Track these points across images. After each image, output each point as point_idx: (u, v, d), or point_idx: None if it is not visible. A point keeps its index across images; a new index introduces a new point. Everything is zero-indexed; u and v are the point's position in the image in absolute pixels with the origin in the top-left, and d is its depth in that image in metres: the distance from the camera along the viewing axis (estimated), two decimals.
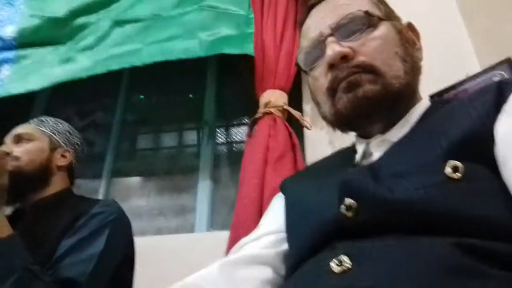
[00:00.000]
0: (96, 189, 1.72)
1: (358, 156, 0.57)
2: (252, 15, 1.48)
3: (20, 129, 1.01)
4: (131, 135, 1.90)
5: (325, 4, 0.61)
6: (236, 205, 1.18)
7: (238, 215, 1.15)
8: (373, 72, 0.52)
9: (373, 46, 0.54)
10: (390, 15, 0.60)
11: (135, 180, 1.78)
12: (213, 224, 1.52)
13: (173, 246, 1.35)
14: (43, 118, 1.08)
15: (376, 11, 0.58)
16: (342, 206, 0.44)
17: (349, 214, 0.44)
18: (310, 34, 0.60)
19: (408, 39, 0.58)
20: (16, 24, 1.78)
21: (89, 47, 1.63)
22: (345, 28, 0.56)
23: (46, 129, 1.03)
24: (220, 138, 1.76)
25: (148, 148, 1.88)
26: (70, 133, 1.09)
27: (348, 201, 0.44)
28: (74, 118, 2.00)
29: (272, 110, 1.32)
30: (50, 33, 1.74)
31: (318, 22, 0.59)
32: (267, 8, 1.50)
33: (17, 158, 0.94)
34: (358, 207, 0.43)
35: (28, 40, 1.75)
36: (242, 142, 1.71)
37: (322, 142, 1.32)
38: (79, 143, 1.11)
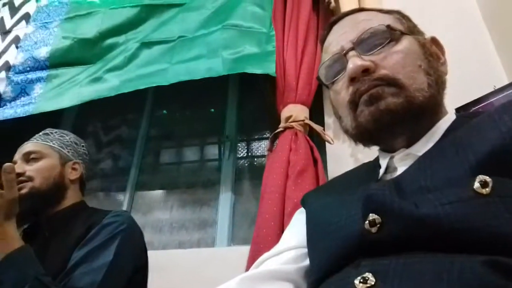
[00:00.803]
0: (120, 202, 1.75)
1: (381, 171, 0.56)
2: (273, 32, 1.50)
3: (29, 147, 1.01)
4: (155, 150, 1.94)
5: (346, 20, 0.62)
6: (257, 219, 1.18)
7: (259, 230, 1.14)
8: (396, 85, 0.52)
9: (396, 59, 0.54)
10: (413, 30, 0.59)
11: (158, 193, 1.80)
12: (234, 238, 1.52)
13: (194, 260, 1.35)
14: (48, 132, 1.08)
15: (398, 26, 0.57)
16: (366, 222, 0.43)
17: (373, 229, 0.43)
18: (332, 49, 0.60)
19: (432, 53, 0.57)
20: (50, 46, 1.87)
21: (118, 67, 1.69)
22: (367, 42, 0.56)
23: (54, 144, 1.04)
24: (241, 152, 1.77)
25: (171, 162, 1.91)
26: (76, 144, 1.09)
27: (372, 216, 0.43)
28: (100, 133, 2.07)
29: (293, 124, 1.32)
30: (80, 54, 1.82)
31: (339, 37, 0.60)
32: (288, 25, 1.52)
33: (31, 178, 0.95)
34: (383, 223, 0.42)
35: (60, 60, 1.84)
36: (263, 156, 1.71)
37: (344, 156, 1.31)
38: (86, 152, 1.12)
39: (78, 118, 2.10)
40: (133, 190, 1.78)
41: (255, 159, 1.75)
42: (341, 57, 0.57)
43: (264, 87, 1.64)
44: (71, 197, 1.01)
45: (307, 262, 0.58)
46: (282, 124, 1.36)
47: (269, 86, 1.51)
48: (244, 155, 1.77)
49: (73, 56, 1.83)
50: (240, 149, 1.77)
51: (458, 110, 1.02)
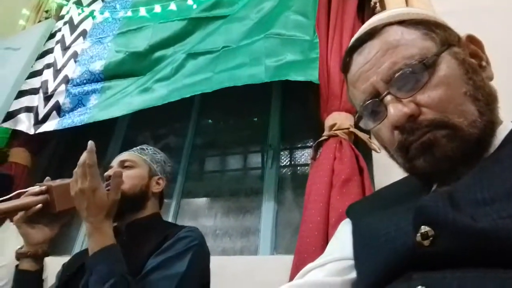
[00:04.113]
0: (167, 208, 1.81)
1: None
2: (317, 40, 1.49)
3: (126, 156, 1.13)
4: (200, 158, 1.99)
5: (369, 47, 0.55)
6: (301, 229, 1.17)
7: (302, 239, 1.13)
8: (447, 127, 0.48)
9: (439, 95, 0.49)
10: (446, 39, 0.53)
11: (202, 200, 1.85)
12: (277, 247, 1.51)
13: (238, 268, 1.37)
14: (144, 147, 1.20)
15: (430, 45, 0.51)
16: (418, 234, 0.41)
17: (426, 242, 0.41)
18: (360, 85, 0.55)
19: (472, 64, 0.52)
20: (104, 59, 2.00)
21: (166, 78, 1.77)
22: (402, 81, 0.50)
23: (147, 158, 1.15)
24: (284, 161, 1.77)
25: (215, 170, 1.95)
26: (165, 162, 1.20)
27: (425, 228, 0.41)
28: (149, 141, 2.16)
29: (338, 132, 1.30)
30: (132, 66, 1.94)
31: (366, 72, 0.54)
32: (332, 32, 1.51)
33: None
34: (436, 236, 0.40)
35: (113, 72, 1.97)
36: (306, 165, 1.70)
37: (392, 165, 1.25)
38: (170, 171, 1.22)
39: (130, 128, 2.22)
40: (179, 197, 1.84)
41: (298, 168, 1.74)
42: (377, 102, 0.53)
43: (307, 95, 1.63)
44: (150, 208, 1.09)
45: (352, 275, 0.56)
46: (326, 132, 1.34)
47: (312, 94, 1.50)
48: (287, 164, 1.76)
49: (125, 68, 1.94)
50: (283, 157, 1.77)
51: None
